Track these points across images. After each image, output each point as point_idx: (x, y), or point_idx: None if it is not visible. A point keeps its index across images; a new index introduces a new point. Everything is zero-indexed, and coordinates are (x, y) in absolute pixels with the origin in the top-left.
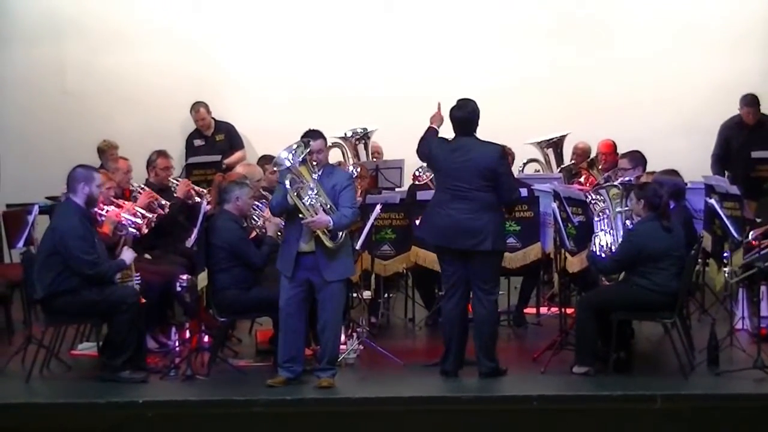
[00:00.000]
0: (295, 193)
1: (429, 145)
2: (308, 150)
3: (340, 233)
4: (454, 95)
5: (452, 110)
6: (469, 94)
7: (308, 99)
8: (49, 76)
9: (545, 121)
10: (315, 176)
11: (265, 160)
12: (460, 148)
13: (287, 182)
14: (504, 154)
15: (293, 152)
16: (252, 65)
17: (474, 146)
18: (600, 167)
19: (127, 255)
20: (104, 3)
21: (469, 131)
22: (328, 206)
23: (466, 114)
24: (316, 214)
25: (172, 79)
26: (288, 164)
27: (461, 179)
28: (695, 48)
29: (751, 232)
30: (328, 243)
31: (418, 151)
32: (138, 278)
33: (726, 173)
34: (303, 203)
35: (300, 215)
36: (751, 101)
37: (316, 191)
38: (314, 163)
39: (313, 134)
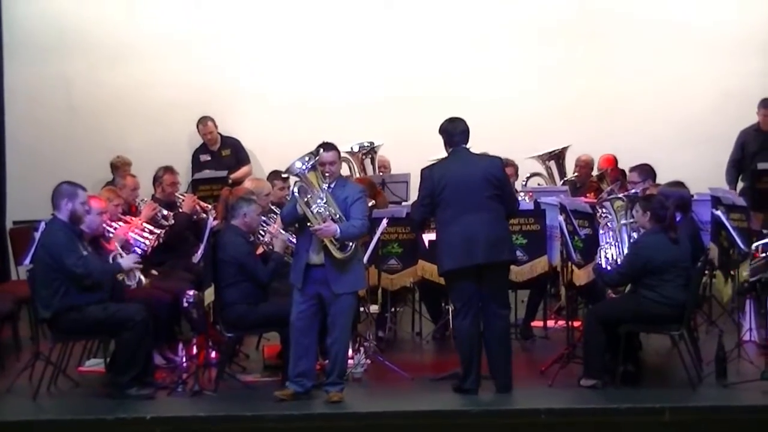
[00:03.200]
0: (304, 201)
1: (430, 181)
2: (317, 158)
3: (350, 244)
4: (460, 110)
5: (445, 124)
6: (474, 105)
7: (315, 115)
8: (55, 91)
9: (545, 132)
10: (325, 185)
11: (274, 176)
12: (463, 161)
13: (296, 189)
14: (504, 165)
15: (304, 161)
16: (259, 81)
17: (475, 157)
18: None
19: (125, 261)
20: (110, 18)
21: (465, 141)
22: (338, 216)
23: (462, 124)
24: (324, 222)
25: (178, 93)
26: (297, 170)
27: (471, 191)
28: (698, 55)
29: (755, 243)
30: (337, 254)
31: (413, 218)
32: (138, 275)
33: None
34: (311, 211)
35: (308, 224)
36: None
37: (325, 200)
38: (326, 174)
39: (326, 146)
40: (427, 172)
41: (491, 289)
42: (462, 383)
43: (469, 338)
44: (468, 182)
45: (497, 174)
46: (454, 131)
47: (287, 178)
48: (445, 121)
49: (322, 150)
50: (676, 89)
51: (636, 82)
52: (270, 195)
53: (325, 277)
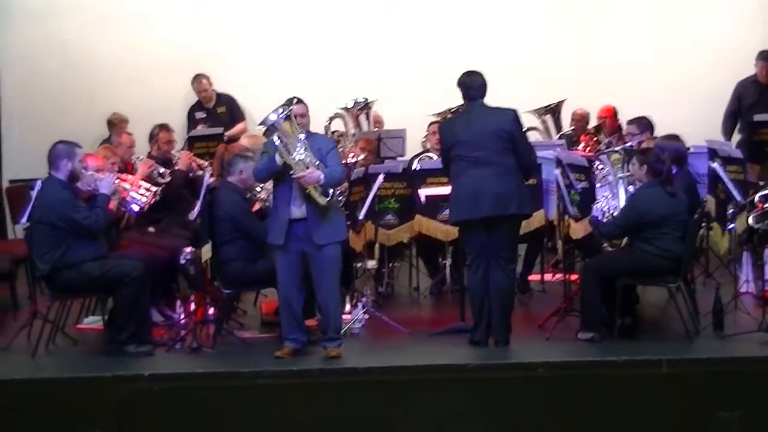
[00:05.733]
0: (285, 150)
1: (444, 135)
2: (290, 109)
3: (332, 190)
4: (451, 65)
5: (463, 77)
6: (469, 62)
7: (310, 71)
8: (50, 51)
9: (544, 88)
10: (302, 135)
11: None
12: (475, 116)
13: (275, 138)
14: (518, 117)
15: (278, 113)
16: (254, 38)
17: (488, 111)
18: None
19: (104, 184)
20: None
21: (482, 95)
22: (317, 164)
23: (480, 78)
24: (308, 169)
25: (173, 52)
26: (272, 121)
27: (482, 145)
28: (696, 9)
29: (757, 195)
30: (320, 200)
31: (444, 170)
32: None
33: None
34: (293, 159)
35: (291, 172)
36: (767, 56)
37: (304, 148)
38: (298, 125)
39: (296, 99)
40: (441, 127)
41: (497, 242)
42: (472, 335)
43: (479, 291)
44: (477, 137)
45: (507, 128)
46: (472, 85)
47: None
48: (463, 74)
49: (295, 100)
50: (673, 44)
51: (633, 39)
52: None
53: (307, 231)
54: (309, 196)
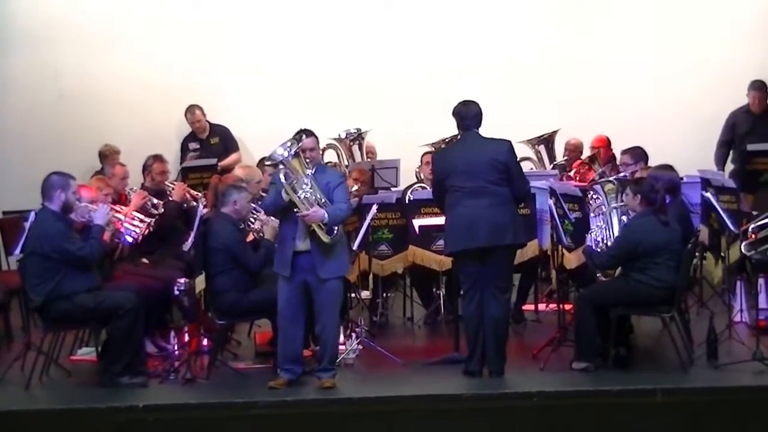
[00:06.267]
0: (291, 187)
1: (438, 166)
2: (300, 145)
3: (336, 228)
4: (446, 94)
5: (458, 107)
6: (463, 92)
7: (304, 102)
8: (45, 80)
9: (537, 116)
10: (309, 171)
11: (264, 163)
12: (470, 146)
13: (281, 176)
14: (512, 148)
15: (286, 147)
16: (248, 69)
17: (483, 142)
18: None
19: (99, 215)
20: (99, 7)
21: (476, 125)
22: (323, 201)
23: (475, 108)
24: (312, 207)
25: (167, 82)
26: (281, 158)
27: (477, 176)
28: (692, 38)
29: (750, 225)
30: (324, 238)
31: (436, 200)
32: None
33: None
34: (298, 197)
35: (295, 210)
36: (759, 86)
37: (310, 185)
38: (307, 160)
39: (306, 132)
40: (434, 157)
41: (492, 272)
42: (466, 365)
43: (474, 321)
44: (472, 167)
45: (502, 158)
46: (467, 115)
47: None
48: (459, 103)
49: (303, 135)
50: (666, 74)
51: (627, 67)
52: (261, 182)
53: (312, 263)
54: (314, 232)
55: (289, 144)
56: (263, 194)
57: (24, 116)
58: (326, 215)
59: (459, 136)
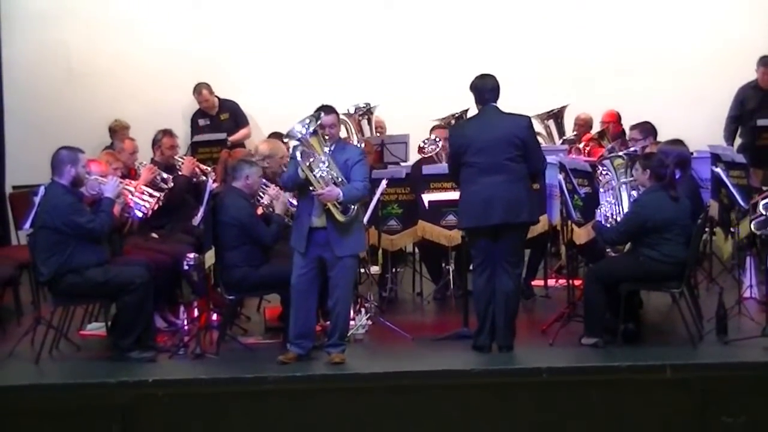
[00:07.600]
0: (307, 165)
1: (455, 140)
2: (319, 122)
3: (352, 207)
4: (456, 68)
5: (475, 80)
6: (471, 66)
7: (313, 76)
8: (54, 58)
9: (546, 92)
10: (327, 149)
11: (275, 137)
12: (488, 120)
13: (298, 154)
14: (532, 125)
15: (305, 125)
16: (256, 43)
17: (501, 117)
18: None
19: (108, 188)
20: None
21: (494, 98)
22: (339, 179)
23: (492, 81)
24: (327, 186)
25: (176, 57)
26: (299, 135)
27: (494, 152)
28: (702, 12)
29: (761, 202)
30: (339, 217)
31: (451, 175)
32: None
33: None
34: (314, 175)
35: (311, 188)
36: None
37: (327, 164)
38: (326, 137)
39: (325, 109)
40: (452, 131)
41: (504, 248)
42: (475, 340)
43: (484, 296)
44: (489, 143)
45: (520, 134)
46: (484, 88)
47: None
48: (476, 77)
49: (322, 113)
50: (675, 47)
51: (635, 41)
52: (285, 157)
53: (327, 239)
54: (329, 210)
55: (308, 121)
56: (284, 169)
57: (33, 93)
58: (341, 194)
59: (478, 111)
